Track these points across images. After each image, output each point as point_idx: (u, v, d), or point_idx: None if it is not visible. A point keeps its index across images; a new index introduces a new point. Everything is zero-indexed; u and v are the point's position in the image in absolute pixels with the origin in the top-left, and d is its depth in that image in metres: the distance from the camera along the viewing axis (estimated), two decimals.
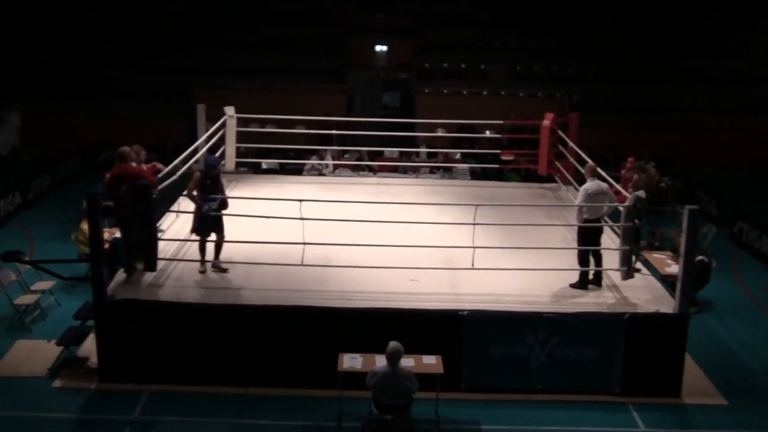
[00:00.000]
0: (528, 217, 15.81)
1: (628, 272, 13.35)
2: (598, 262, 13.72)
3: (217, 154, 15.69)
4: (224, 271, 13.73)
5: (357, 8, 29.90)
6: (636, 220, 13.10)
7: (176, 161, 15.17)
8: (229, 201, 13.82)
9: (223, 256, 13.79)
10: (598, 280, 13.72)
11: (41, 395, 12.50)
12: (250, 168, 20.60)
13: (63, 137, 25.58)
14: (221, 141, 18.61)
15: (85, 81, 27.59)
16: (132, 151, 14.03)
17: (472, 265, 13.33)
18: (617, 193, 14.63)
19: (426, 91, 28.20)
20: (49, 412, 12.08)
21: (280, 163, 21.96)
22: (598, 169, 14.03)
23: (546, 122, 18.80)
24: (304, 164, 21.45)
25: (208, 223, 13.48)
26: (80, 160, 25.23)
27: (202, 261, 13.74)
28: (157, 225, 13.69)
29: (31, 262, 15.81)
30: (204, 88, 26.14)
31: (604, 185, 13.80)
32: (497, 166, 21.24)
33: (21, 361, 13.46)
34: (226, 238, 13.70)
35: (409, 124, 23.29)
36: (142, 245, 12.98)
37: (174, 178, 14.34)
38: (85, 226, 14.73)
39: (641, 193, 13.42)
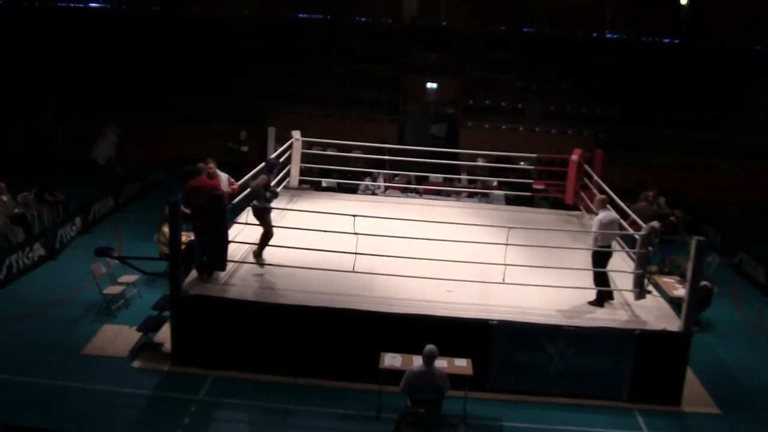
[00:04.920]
0: (555, 240, 15.74)
1: (641, 293, 13.21)
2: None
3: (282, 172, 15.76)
4: (261, 266, 13.90)
5: (415, 50, 30.08)
6: (649, 248, 12.96)
7: (247, 176, 15.34)
8: (292, 213, 13.85)
9: (283, 262, 13.79)
10: (602, 299, 13.56)
11: (122, 373, 12.71)
12: (311, 185, 20.70)
13: (152, 151, 25.96)
14: (288, 160, 18.80)
15: (176, 104, 28.08)
16: (207, 166, 14.17)
17: (503, 280, 13.26)
18: (633, 223, 14.46)
19: (469, 124, 28.10)
20: (128, 388, 12.27)
21: (338, 183, 22.03)
22: (608, 204, 13.96)
23: (574, 157, 18.67)
24: (358, 184, 21.55)
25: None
26: (166, 172, 25.54)
27: (260, 258, 13.99)
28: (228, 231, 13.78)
29: (119, 257, 16.00)
30: (275, 113, 26.40)
31: (615, 215, 13.72)
32: (529, 193, 21.09)
33: (106, 343, 13.68)
34: (282, 244, 13.74)
35: (453, 154, 23.22)
36: (215, 248, 13.10)
37: (246, 192, 14.50)
38: (166, 229, 14.92)
39: (656, 224, 13.30)
